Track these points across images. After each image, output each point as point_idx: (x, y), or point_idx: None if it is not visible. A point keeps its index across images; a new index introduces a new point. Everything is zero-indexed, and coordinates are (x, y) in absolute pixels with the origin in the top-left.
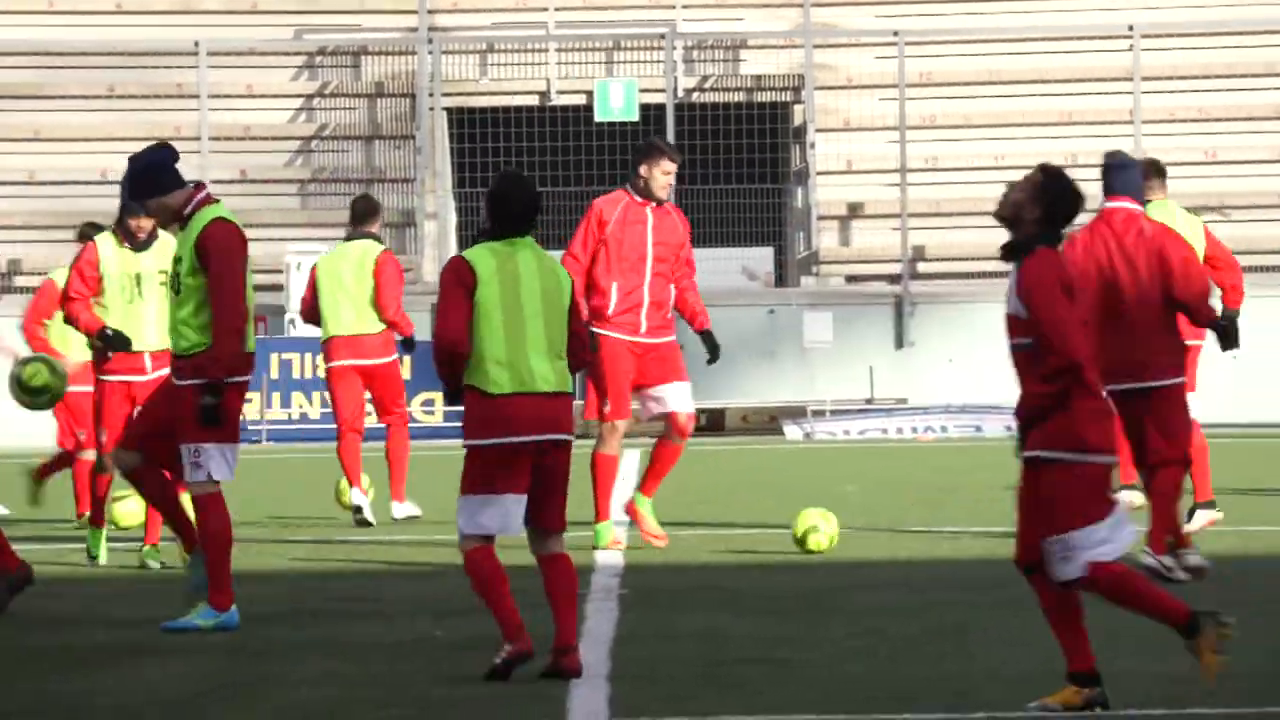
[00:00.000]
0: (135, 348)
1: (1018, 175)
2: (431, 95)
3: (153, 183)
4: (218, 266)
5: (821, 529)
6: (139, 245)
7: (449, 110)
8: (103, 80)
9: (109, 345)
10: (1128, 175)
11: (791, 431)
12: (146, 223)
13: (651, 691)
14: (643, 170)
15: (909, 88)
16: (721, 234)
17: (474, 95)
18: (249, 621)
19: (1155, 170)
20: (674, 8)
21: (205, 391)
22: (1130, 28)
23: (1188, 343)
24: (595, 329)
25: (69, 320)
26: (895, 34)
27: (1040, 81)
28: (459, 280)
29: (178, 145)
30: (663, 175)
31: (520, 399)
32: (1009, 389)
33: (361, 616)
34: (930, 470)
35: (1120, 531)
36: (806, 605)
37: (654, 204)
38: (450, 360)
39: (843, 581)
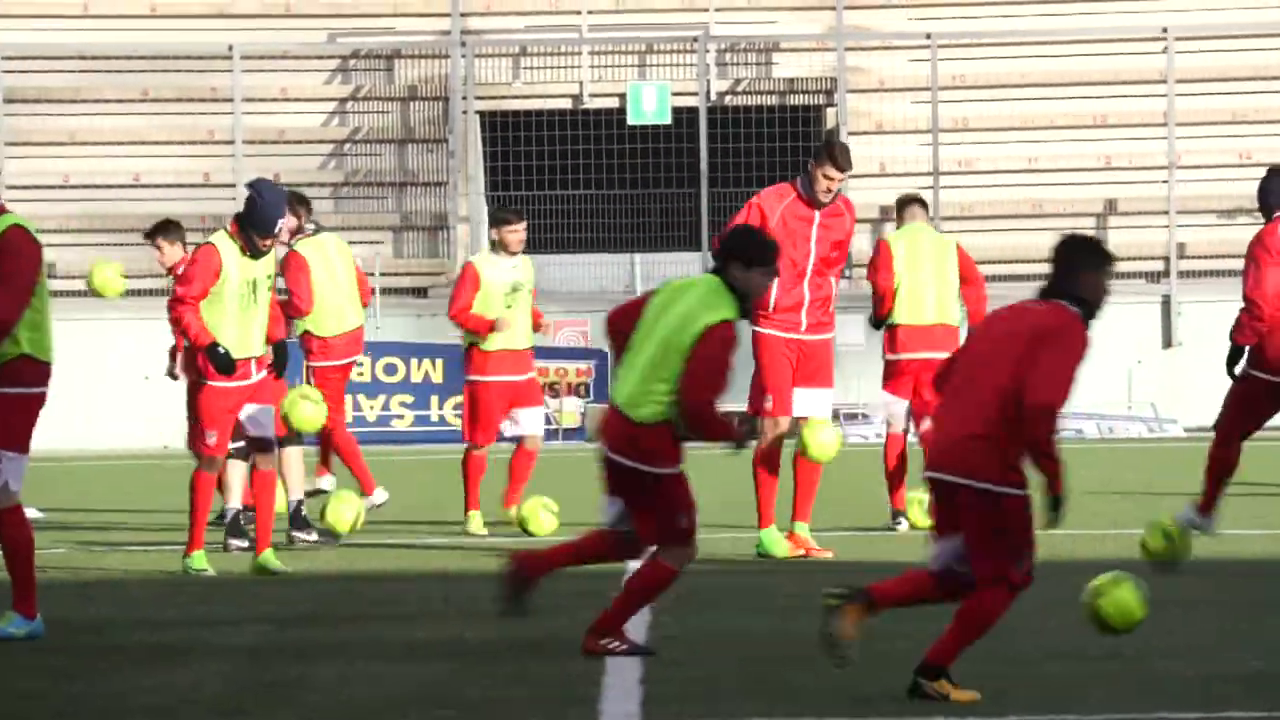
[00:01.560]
0: (246, 353)
1: (1050, 178)
2: (464, 99)
3: None
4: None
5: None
6: (258, 253)
7: (482, 114)
8: (137, 84)
9: (216, 362)
10: None
11: None
12: (272, 242)
13: (684, 692)
14: (810, 169)
15: (941, 90)
16: None
17: (507, 98)
18: (283, 623)
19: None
20: (706, 11)
21: None
22: (1164, 30)
23: None
24: (756, 327)
25: (178, 325)
26: (928, 37)
27: (1073, 84)
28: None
29: (212, 149)
30: (824, 179)
31: None
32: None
33: (391, 619)
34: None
35: None
36: None
37: (820, 205)
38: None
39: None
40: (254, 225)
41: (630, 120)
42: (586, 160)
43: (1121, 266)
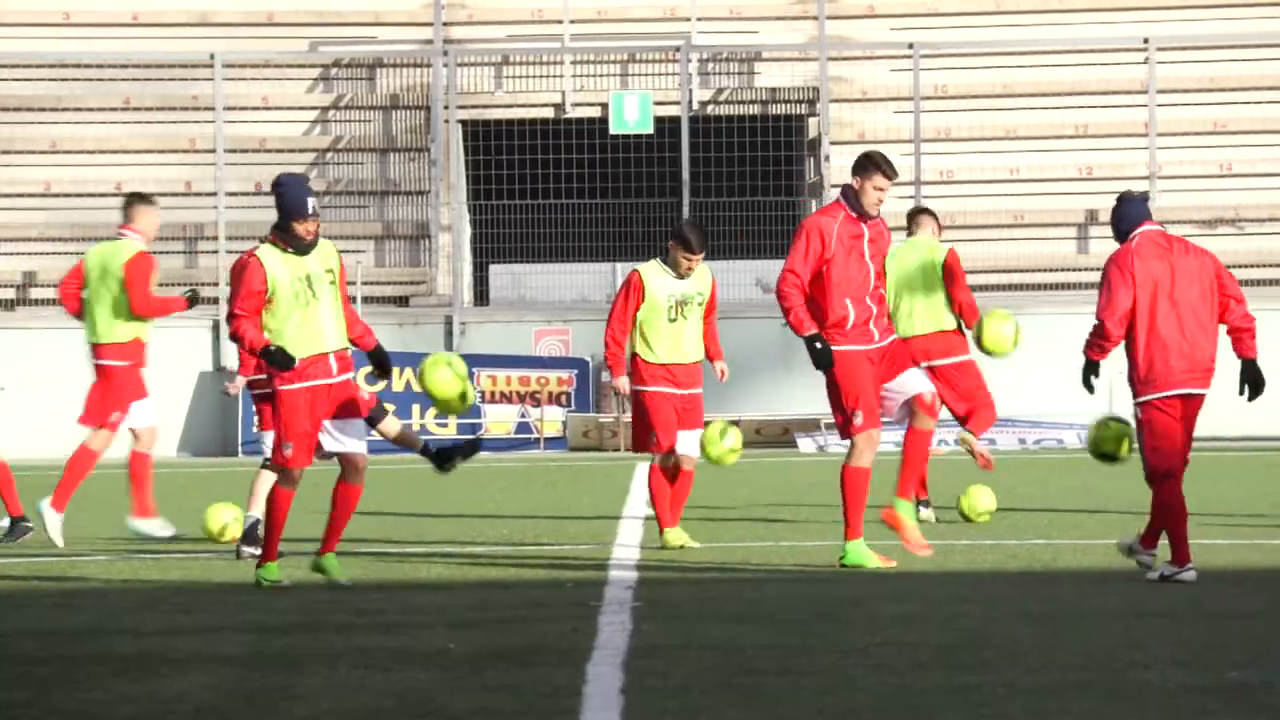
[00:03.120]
0: (318, 349)
1: (1032, 188)
2: (446, 108)
3: None
4: None
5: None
6: (304, 248)
7: (464, 123)
8: (119, 93)
9: (272, 362)
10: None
11: (804, 444)
12: (312, 225)
13: (666, 704)
14: (855, 183)
15: (924, 100)
16: (736, 246)
17: (489, 108)
18: (268, 632)
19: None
20: (689, 20)
21: None
22: (1145, 40)
23: None
24: (835, 345)
25: (235, 338)
26: (910, 46)
27: (1055, 94)
28: None
29: (193, 158)
30: (874, 191)
31: None
32: (1021, 403)
33: (376, 628)
34: (943, 483)
35: None
36: (822, 617)
37: (868, 219)
38: None
39: (857, 594)
40: (288, 214)
41: (612, 130)
42: (568, 170)
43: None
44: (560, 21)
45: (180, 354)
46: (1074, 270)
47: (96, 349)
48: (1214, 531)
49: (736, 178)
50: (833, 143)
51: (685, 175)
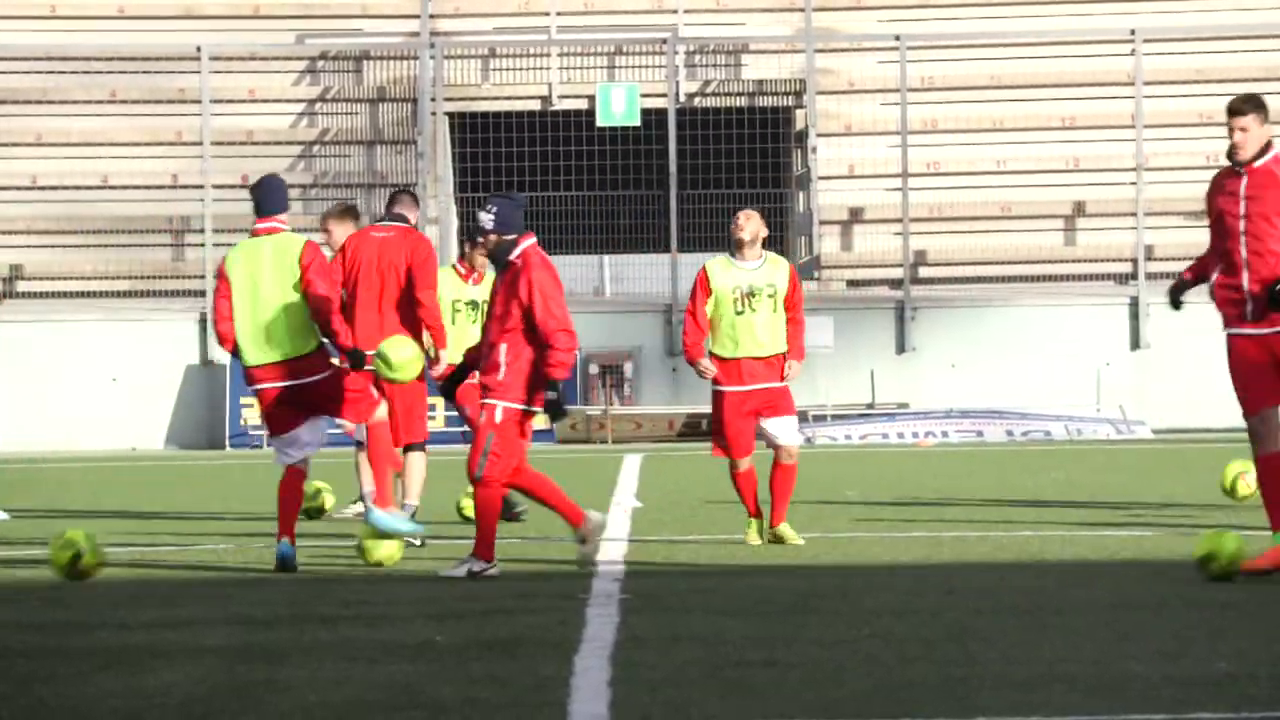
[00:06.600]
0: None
1: (1019, 179)
2: (433, 100)
3: None
4: None
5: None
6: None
7: (451, 115)
8: (105, 85)
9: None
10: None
11: None
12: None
13: (653, 696)
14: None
15: (910, 92)
16: (723, 239)
17: (476, 100)
18: (253, 625)
19: None
20: (675, 12)
21: None
22: (1132, 32)
23: None
24: (1230, 330)
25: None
26: (897, 38)
27: (1042, 86)
28: None
29: (180, 150)
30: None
31: None
32: (1010, 394)
33: (362, 620)
34: (931, 475)
35: None
36: (809, 609)
37: None
38: None
39: (845, 586)
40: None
41: (599, 121)
42: (556, 162)
43: (1089, 268)
44: (547, 14)
45: (167, 347)
46: (1061, 262)
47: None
48: (1210, 519)
49: (724, 169)
50: (820, 134)
51: (672, 167)
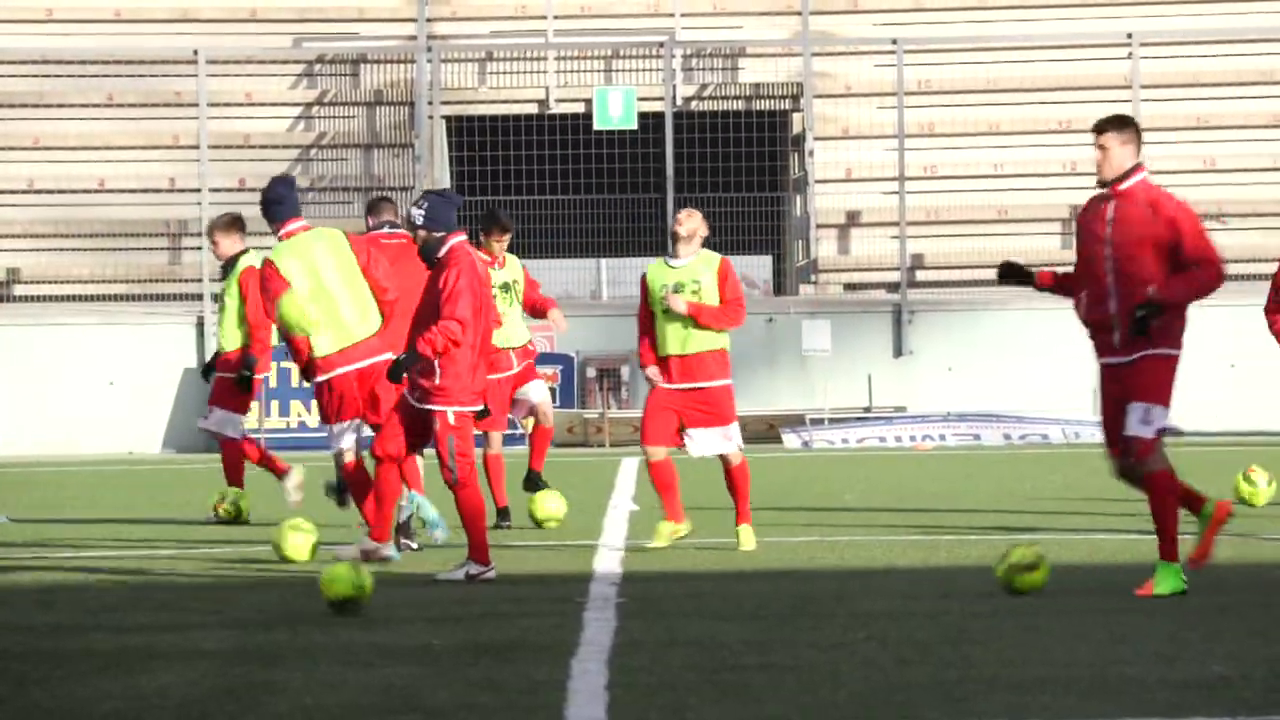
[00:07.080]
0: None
1: (1016, 183)
2: (430, 103)
3: None
4: None
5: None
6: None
7: (448, 119)
8: (102, 89)
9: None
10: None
11: (790, 440)
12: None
13: (650, 700)
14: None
15: (907, 96)
16: (720, 242)
17: (473, 104)
18: (249, 628)
19: None
20: (672, 16)
21: None
22: (1129, 36)
23: None
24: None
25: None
26: (894, 42)
27: (1039, 90)
28: None
29: (177, 154)
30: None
31: None
32: (1007, 398)
33: (358, 624)
34: (928, 479)
35: None
36: (805, 613)
37: None
38: None
39: (841, 589)
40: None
41: (596, 125)
42: (553, 165)
43: None
44: (544, 17)
45: (164, 351)
46: (1058, 265)
47: None
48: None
49: (721, 173)
50: (816, 138)
51: (669, 171)
